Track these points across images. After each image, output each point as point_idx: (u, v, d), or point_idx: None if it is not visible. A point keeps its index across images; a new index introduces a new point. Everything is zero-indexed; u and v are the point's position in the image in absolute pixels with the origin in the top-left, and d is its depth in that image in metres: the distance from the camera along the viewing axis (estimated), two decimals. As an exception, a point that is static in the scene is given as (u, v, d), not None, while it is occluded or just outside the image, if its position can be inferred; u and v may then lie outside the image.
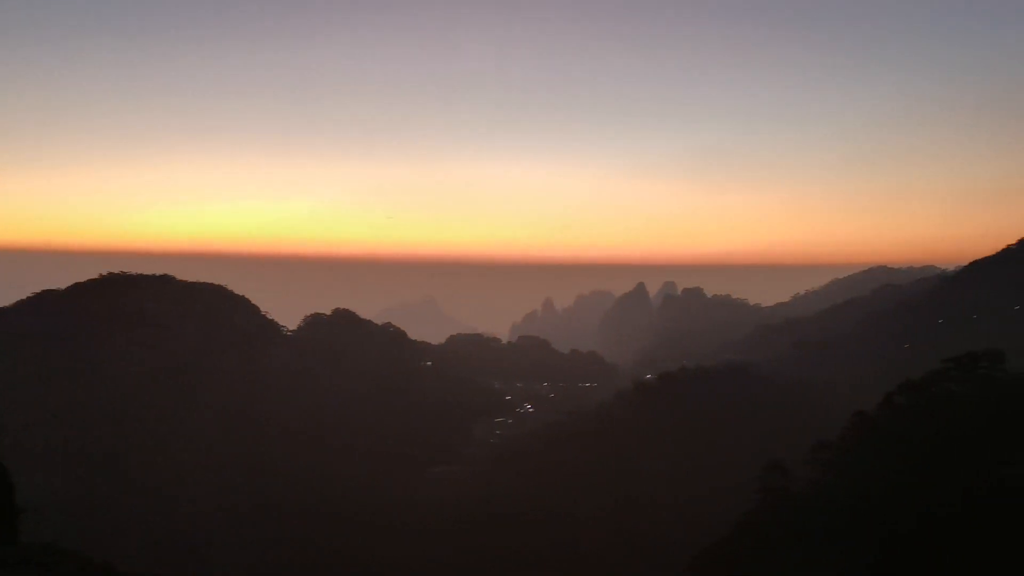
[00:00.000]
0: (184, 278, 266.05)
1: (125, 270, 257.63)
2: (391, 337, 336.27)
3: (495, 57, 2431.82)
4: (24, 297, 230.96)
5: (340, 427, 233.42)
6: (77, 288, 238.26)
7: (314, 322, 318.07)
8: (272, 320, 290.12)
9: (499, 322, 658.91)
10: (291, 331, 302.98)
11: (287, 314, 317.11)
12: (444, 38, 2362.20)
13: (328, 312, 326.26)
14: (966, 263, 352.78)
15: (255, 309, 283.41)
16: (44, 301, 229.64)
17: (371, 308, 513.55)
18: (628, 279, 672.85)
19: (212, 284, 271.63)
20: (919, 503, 67.26)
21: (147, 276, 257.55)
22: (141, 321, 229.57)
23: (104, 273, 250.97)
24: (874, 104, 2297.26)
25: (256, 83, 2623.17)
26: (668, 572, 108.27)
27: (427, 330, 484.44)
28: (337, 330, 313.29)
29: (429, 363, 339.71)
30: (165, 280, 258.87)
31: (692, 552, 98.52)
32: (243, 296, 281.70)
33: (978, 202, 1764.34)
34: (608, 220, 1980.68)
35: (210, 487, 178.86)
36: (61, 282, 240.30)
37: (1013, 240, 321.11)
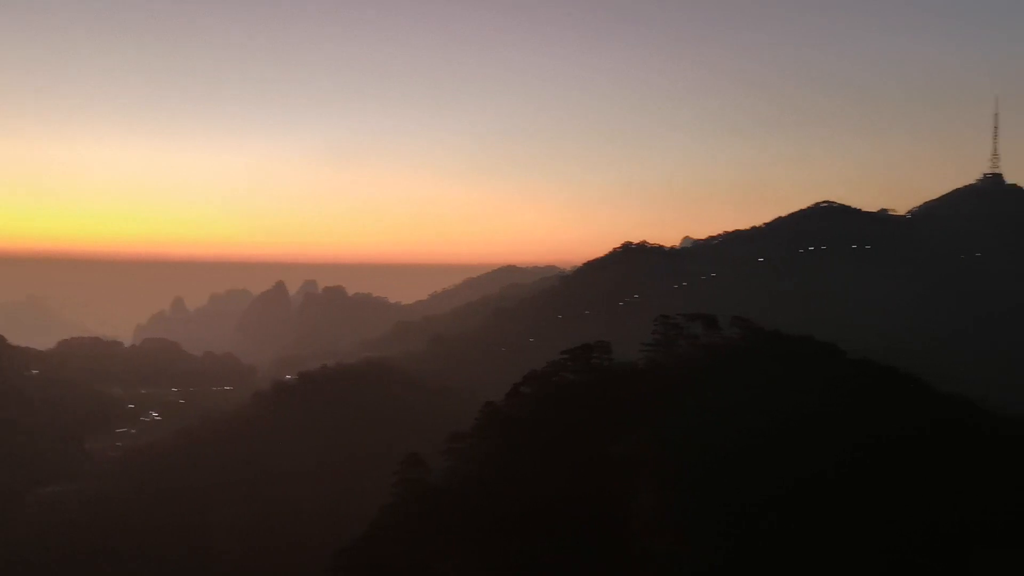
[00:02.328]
0: None
1: None
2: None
3: (99, 37, 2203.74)
4: None
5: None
6: None
7: None
8: None
9: (121, 324, 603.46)
10: None
11: None
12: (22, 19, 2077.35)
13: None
14: (581, 264, 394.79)
15: None
16: None
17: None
18: (267, 277, 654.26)
19: None
20: (544, 482, 72.61)
21: None
22: None
23: None
24: (507, 111, 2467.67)
25: None
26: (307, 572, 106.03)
27: (32, 333, 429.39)
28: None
29: (35, 371, 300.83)
30: None
31: (331, 551, 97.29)
32: None
33: (593, 207, 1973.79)
34: (245, 216, 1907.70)
35: None
36: None
37: (619, 244, 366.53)
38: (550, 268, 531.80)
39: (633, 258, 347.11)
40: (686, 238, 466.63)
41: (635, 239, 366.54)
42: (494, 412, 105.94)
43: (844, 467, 64.64)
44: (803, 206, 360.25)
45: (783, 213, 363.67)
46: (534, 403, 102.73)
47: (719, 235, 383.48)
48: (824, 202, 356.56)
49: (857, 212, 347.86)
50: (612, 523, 62.26)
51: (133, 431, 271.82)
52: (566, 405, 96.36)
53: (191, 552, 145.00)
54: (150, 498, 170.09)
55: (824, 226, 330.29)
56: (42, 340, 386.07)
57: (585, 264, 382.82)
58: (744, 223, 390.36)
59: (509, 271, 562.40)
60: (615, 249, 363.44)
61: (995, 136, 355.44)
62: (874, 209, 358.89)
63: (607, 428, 78.11)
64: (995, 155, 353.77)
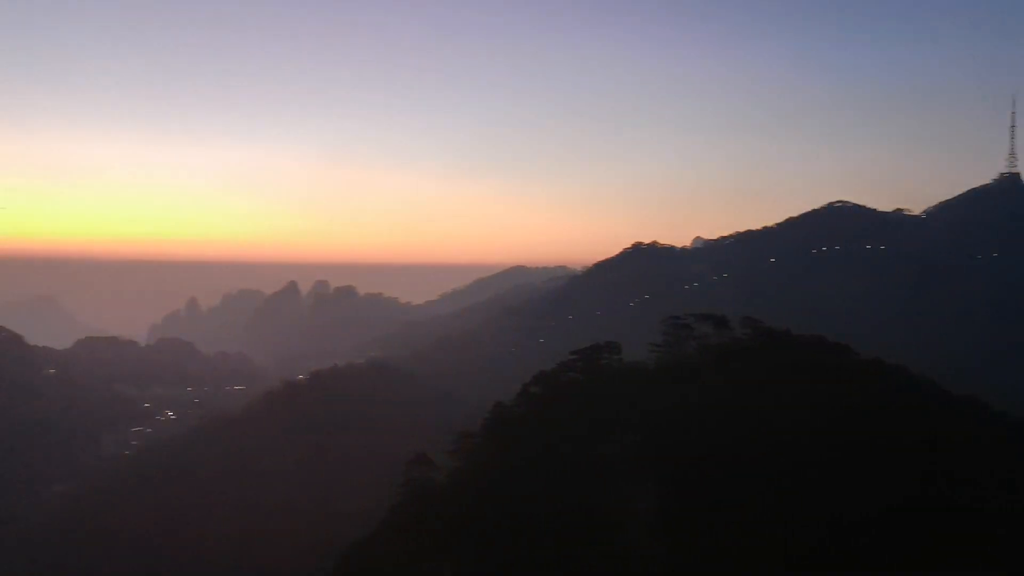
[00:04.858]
0: None
1: None
2: (3, 342, 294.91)
3: (113, 37, 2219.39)
4: None
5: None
6: None
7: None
8: None
9: (135, 323, 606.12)
10: None
11: None
12: (47, 15, 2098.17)
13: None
14: (591, 264, 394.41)
15: None
16: None
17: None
18: (279, 278, 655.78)
19: None
20: (548, 483, 72.63)
21: None
22: None
23: None
24: (519, 109, 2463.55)
25: None
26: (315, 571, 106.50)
27: (48, 332, 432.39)
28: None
29: (52, 371, 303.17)
30: None
31: (340, 549, 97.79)
32: None
33: (604, 207, 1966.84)
34: (258, 218, 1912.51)
35: None
36: None
37: (629, 244, 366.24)
38: (560, 268, 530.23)
39: (644, 259, 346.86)
40: (697, 238, 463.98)
41: (646, 240, 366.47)
42: (503, 412, 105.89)
43: (846, 467, 64.40)
44: (816, 206, 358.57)
45: (795, 213, 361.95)
46: (543, 404, 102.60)
47: (730, 236, 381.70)
48: (837, 202, 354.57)
49: (871, 212, 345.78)
50: (612, 525, 62.28)
51: (148, 430, 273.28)
52: (574, 406, 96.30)
53: (196, 552, 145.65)
54: (157, 497, 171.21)
55: (837, 226, 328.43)
56: (59, 340, 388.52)
57: (595, 264, 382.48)
58: (756, 224, 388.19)
59: (519, 271, 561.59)
60: (625, 249, 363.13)
61: (1012, 135, 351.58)
62: (888, 209, 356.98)
63: (613, 429, 78.19)
64: (1012, 154, 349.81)
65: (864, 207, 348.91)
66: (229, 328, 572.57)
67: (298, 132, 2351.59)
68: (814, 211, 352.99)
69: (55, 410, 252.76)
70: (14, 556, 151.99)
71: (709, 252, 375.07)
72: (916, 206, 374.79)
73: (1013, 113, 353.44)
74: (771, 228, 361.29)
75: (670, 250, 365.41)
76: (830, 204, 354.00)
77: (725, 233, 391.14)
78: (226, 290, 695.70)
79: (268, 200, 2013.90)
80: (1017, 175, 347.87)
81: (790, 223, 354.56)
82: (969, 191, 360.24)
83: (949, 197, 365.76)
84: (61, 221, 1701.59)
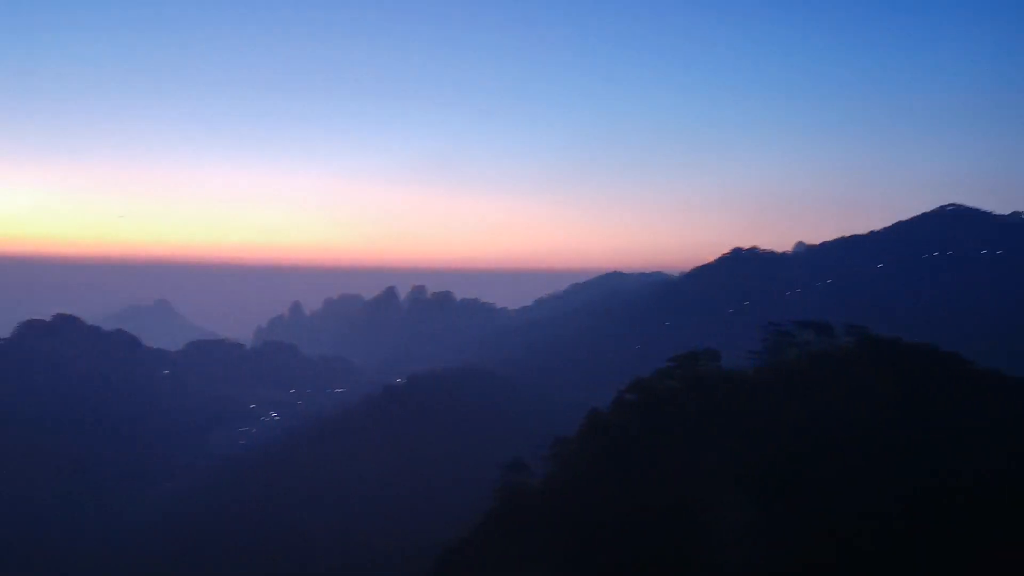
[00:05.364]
0: None
1: None
2: (123, 344, 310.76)
3: (228, 54, 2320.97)
4: None
5: (61, 443, 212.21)
6: None
7: (31, 328, 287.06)
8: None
9: (242, 326, 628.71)
10: (2, 339, 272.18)
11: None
12: (171, 33, 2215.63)
13: (48, 318, 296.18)
14: (689, 269, 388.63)
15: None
16: None
17: (96, 312, 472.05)
18: (378, 283, 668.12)
19: None
20: (642, 491, 71.86)
21: None
22: None
23: None
24: (606, 117, 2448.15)
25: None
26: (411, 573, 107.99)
27: (162, 334, 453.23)
28: (59, 337, 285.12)
29: (167, 372, 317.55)
30: None
31: (436, 552, 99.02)
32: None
33: (702, 212, 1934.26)
34: (357, 224, 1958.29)
35: None
36: None
37: (728, 249, 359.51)
38: (657, 273, 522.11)
39: (743, 264, 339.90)
40: (799, 243, 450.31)
41: (745, 245, 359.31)
42: (598, 419, 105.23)
43: (954, 488, 61.22)
44: (927, 209, 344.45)
45: (904, 217, 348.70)
46: (639, 411, 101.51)
47: (834, 240, 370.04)
48: (950, 205, 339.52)
49: (986, 215, 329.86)
50: (709, 534, 61.10)
51: (254, 430, 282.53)
52: (670, 414, 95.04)
53: (297, 548, 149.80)
54: (261, 494, 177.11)
55: (950, 230, 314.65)
56: (170, 340, 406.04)
57: (693, 270, 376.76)
58: (862, 228, 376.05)
59: (615, 276, 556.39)
60: (724, 254, 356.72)
61: None
62: (1005, 212, 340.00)
63: (708, 437, 76.85)
64: None
65: (979, 210, 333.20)
66: (330, 332, 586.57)
67: (399, 142, 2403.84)
68: (925, 214, 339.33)
69: (167, 409, 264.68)
70: (127, 547, 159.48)
71: (811, 257, 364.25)
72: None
73: None
74: (878, 232, 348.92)
75: (770, 255, 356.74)
76: (942, 207, 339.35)
77: (828, 238, 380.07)
78: (328, 295, 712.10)
79: (369, 207, 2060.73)
80: None
81: (899, 227, 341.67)
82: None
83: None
84: (177, 228, 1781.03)
